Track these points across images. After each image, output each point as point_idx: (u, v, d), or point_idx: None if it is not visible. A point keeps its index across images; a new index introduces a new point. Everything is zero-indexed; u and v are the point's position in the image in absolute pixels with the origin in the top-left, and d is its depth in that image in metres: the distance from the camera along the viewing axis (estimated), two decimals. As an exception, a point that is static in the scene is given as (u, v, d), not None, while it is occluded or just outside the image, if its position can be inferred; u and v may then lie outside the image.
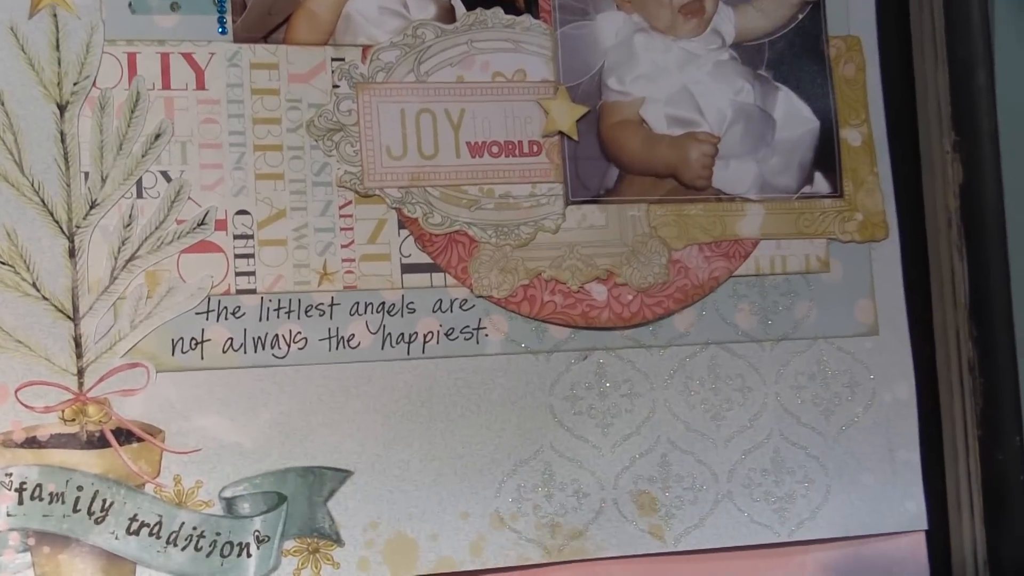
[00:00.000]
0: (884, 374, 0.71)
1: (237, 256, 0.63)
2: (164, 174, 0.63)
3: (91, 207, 0.62)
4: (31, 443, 0.60)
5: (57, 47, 0.62)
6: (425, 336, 0.65)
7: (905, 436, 0.71)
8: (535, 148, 0.68)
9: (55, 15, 0.62)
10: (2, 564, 0.59)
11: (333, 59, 0.66)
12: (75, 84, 0.62)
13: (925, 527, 0.71)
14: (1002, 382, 0.71)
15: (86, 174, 0.62)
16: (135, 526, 0.61)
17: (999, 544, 0.71)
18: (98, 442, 0.61)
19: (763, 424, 0.69)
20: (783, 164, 0.71)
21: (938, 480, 0.73)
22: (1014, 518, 0.71)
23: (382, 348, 0.65)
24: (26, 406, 0.60)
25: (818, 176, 0.71)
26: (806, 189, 0.71)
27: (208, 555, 0.62)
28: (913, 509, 0.71)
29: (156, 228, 0.62)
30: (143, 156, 0.63)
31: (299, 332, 0.64)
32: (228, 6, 0.65)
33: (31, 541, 0.60)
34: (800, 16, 0.72)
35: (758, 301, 0.69)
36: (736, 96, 0.71)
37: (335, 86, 0.65)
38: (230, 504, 0.62)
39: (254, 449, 0.63)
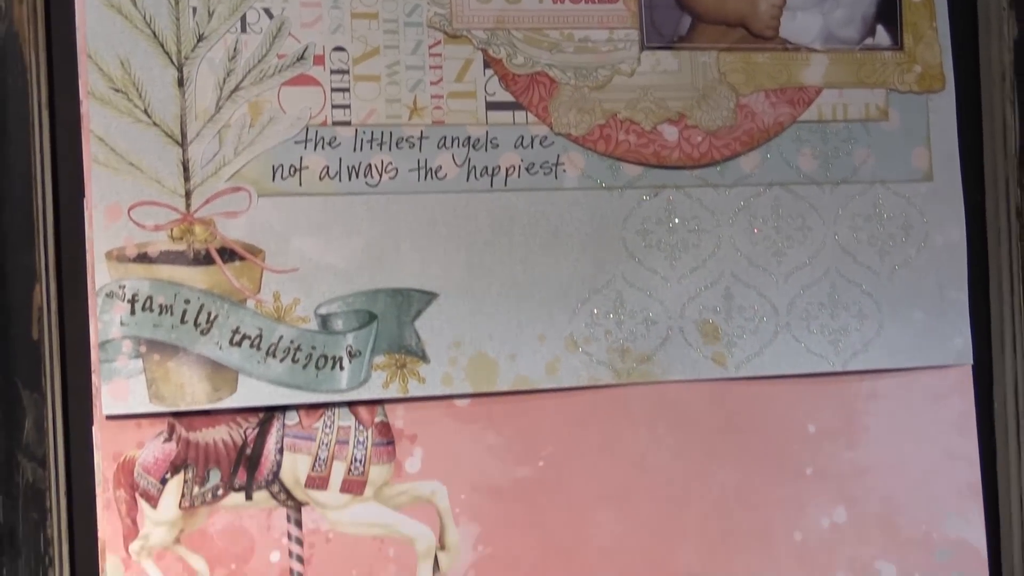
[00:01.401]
0: (936, 218, 0.74)
1: (333, 90, 0.67)
2: (267, 11, 0.66)
3: (198, 40, 0.65)
4: (142, 259, 0.64)
5: None
6: (507, 170, 0.69)
7: (954, 276, 0.74)
8: (613, -4, 0.71)
9: None
10: (116, 368, 0.64)
11: (426, -96, 0.68)
12: (184, -79, 0.65)
13: (971, 362, 0.75)
14: (1048, 229, 0.75)
15: (194, 9, 0.65)
16: (237, 338, 0.65)
17: None
18: (204, 259, 0.65)
19: (821, 262, 0.72)
20: (847, 17, 0.74)
21: (984, 318, 0.76)
22: (1054, 356, 0.75)
23: (467, 180, 0.68)
24: (138, 224, 0.64)
25: (880, 29, 0.74)
26: (868, 41, 0.74)
27: (304, 367, 0.66)
28: (960, 344, 0.74)
29: (259, 62, 0.66)
30: (247, -7, 0.66)
31: (390, 163, 0.67)
32: None
33: (142, 349, 0.64)
34: None
35: (819, 146, 0.72)
36: (804, -50, 0.73)
37: (428, -70, 0.68)
38: (325, 320, 0.66)
39: (347, 270, 0.66)
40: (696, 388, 0.71)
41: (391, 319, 0.67)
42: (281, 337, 0.66)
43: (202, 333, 0.65)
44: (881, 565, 0.74)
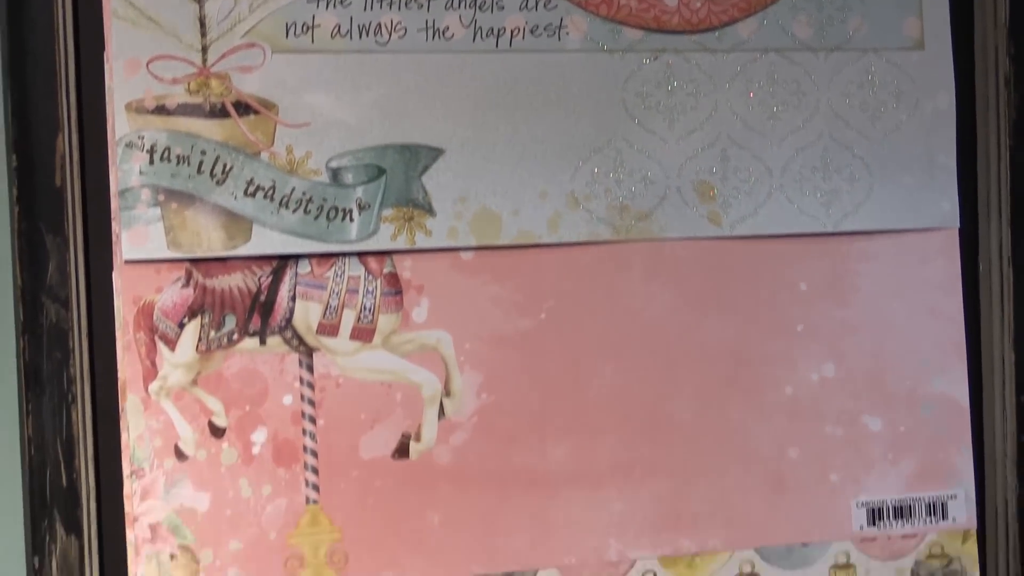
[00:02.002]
0: (927, 85, 0.75)
1: (345, -51, 0.69)
2: None
3: (214, -101, 0.67)
4: (160, 111, 0.66)
5: None
6: (512, 31, 0.71)
7: (944, 142, 0.76)
8: None
9: None
10: (136, 216, 0.66)
11: None
12: None
13: (958, 225, 0.76)
14: (1035, 97, 0.76)
15: None
16: (252, 189, 0.67)
17: (1023, 241, 0.77)
18: (219, 113, 0.67)
19: (815, 126, 0.74)
20: None
21: (971, 183, 0.77)
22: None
23: (473, 41, 0.70)
24: (156, 77, 0.66)
25: (875, -99, 0.76)
26: (863, -89, 0.75)
27: (316, 218, 0.68)
28: (947, 208, 0.76)
29: (272, -80, 0.68)
30: None
31: (399, 22, 0.69)
32: None
33: (161, 197, 0.66)
34: None
35: (815, 13, 0.74)
36: None
37: None
38: (335, 174, 0.68)
39: (357, 126, 0.68)
40: (692, 246, 0.73)
41: (399, 174, 0.69)
42: (294, 189, 0.68)
43: (218, 183, 0.67)
44: (868, 419, 0.76)
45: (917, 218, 0.76)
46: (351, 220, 0.68)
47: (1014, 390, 0.78)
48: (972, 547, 0.78)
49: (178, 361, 0.67)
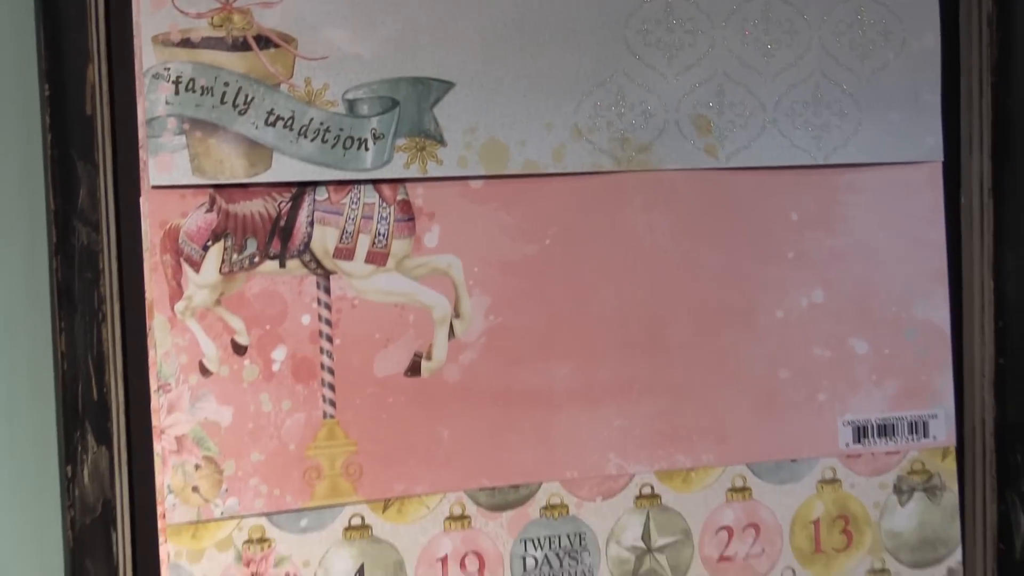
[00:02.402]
0: (914, 25, 0.78)
1: None
2: None
3: None
4: (185, 43, 0.68)
5: None
6: (520, -30, 0.73)
7: (929, 80, 0.78)
8: None
9: None
10: (162, 144, 0.68)
11: None
12: None
13: (942, 159, 0.79)
14: (1017, 36, 0.79)
15: None
16: (272, 119, 0.70)
17: (1003, 175, 0.80)
18: (241, 46, 0.69)
19: (807, 63, 0.77)
20: None
21: (955, 119, 0.80)
22: (1016, 152, 0.80)
23: (483, -22, 0.73)
24: (181, 11, 0.68)
25: None
26: None
27: (332, 147, 0.70)
28: (932, 143, 0.79)
29: None
30: None
31: (413, -41, 0.72)
32: None
33: (186, 126, 0.68)
34: None
35: (808, -45, 0.77)
36: None
37: None
38: (351, 105, 0.70)
39: (372, 60, 0.71)
40: (689, 177, 0.76)
41: (412, 105, 0.71)
42: (312, 119, 0.70)
43: (240, 113, 0.69)
44: (854, 342, 0.79)
45: (902, 152, 0.78)
46: (366, 149, 0.71)
47: (993, 315, 0.81)
48: (951, 463, 0.81)
49: (202, 282, 0.70)
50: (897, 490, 0.81)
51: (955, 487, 0.82)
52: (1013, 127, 0.79)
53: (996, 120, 0.79)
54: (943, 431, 0.81)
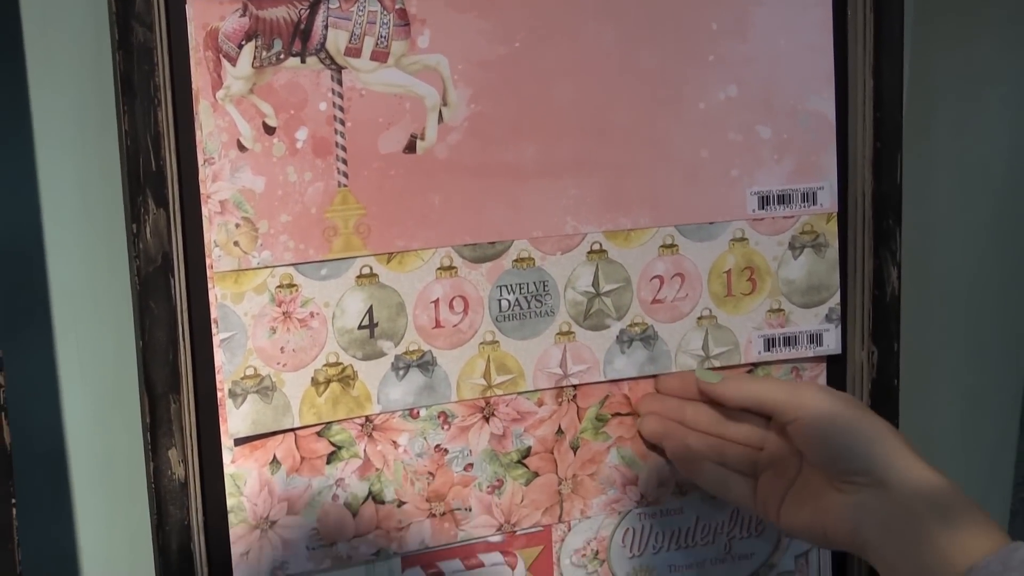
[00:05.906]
0: None
1: None
2: None
3: None
4: None
5: None
6: None
7: None
8: None
9: None
10: None
11: None
12: None
13: None
14: None
15: None
16: None
17: None
18: None
19: None
20: None
21: None
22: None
23: None
24: None
25: None
26: None
27: None
28: None
29: None
30: None
31: None
32: None
33: None
34: None
35: None
36: None
37: None
38: None
39: None
40: (634, -6, 0.85)
41: None
42: None
43: None
44: (760, 128, 0.89)
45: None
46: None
47: (872, 107, 0.91)
48: (833, 226, 0.92)
49: (238, 74, 0.76)
50: (791, 246, 0.91)
51: (836, 244, 0.92)
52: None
53: (874, -56, 0.89)
54: (828, 200, 0.91)
